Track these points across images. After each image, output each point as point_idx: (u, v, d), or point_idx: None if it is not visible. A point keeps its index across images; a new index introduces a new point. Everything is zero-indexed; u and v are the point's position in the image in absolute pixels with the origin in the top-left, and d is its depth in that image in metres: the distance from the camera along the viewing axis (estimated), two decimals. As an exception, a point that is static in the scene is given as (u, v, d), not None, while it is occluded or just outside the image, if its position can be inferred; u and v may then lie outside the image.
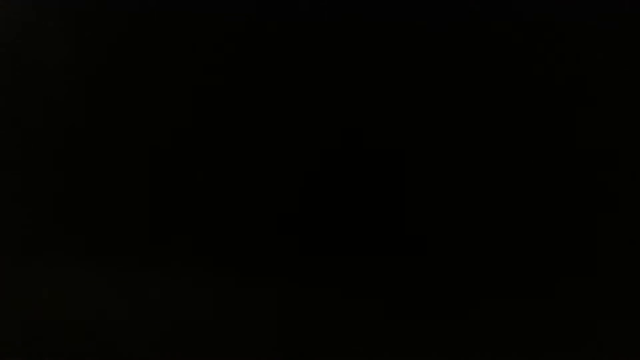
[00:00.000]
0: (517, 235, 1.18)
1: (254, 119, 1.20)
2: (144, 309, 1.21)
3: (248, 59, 1.20)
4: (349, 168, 1.19)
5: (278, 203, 1.20)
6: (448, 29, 1.18)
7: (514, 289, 1.18)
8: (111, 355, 1.21)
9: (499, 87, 1.19)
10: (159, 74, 1.21)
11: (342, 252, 1.19)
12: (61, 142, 1.22)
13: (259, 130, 1.20)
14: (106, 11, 1.21)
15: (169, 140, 1.21)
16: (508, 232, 1.18)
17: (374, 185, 1.19)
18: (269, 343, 1.20)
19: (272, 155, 1.20)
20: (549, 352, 1.18)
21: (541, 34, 1.18)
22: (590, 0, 1.18)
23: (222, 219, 1.20)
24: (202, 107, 1.21)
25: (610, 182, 1.18)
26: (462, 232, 1.18)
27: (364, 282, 1.19)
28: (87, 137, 1.22)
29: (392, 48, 1.19)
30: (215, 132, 1.20)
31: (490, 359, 1.18)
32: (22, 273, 1.22)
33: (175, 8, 1.21)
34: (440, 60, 1.19)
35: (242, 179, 1.20)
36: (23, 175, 1.22)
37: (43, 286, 1.21)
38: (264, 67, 1.20)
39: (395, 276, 1.19)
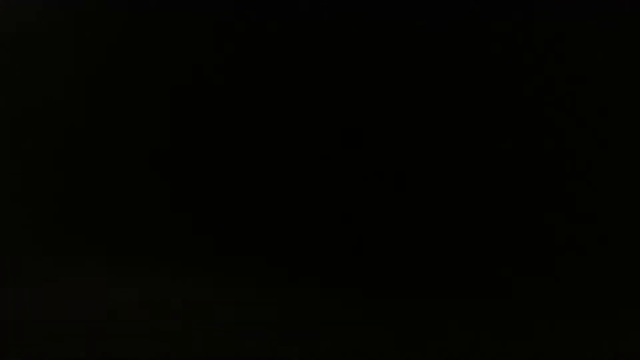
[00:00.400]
0: (519, 236, 1.18)
1: (254, 119, 1.20)
2: (145, 311, 1.21)
3: (248, 59, 1.20)
4: (349, 167, 1.19)
5: (278, 204, 1.20)
6: (448, 29, 1.18)
7: (513, 290, 1.18)
8: (111, 356, 1.21)
9: (498, 88, 1.19)
10: (159, 74, 1.21)
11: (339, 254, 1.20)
12: (61, 143, 1.22)
13: (259, 130, 1.20)
14: (106, 11, 1.22)
15: (169, 141, 1.21)
16: (510, 233, 1.18)
17: (372, 185, 1.19)
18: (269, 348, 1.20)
19: (271, 156, 1.20)
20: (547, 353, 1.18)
21: (541, 34, 1.18)
22: (590, 0, 1.18)
23: (221, 221, 1.20)
24: (202, 107, 1.21)
25: (609, 182, 1.18)
26: (462, 234, 1.19)
27: (362, 285, 1.19)
28: (87, 137, 1.22)
29: (392, 48, 1.19)
30: (216, 133, 1.20)
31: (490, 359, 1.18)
32: (22, 273, 1.22)
33: (175, 8, 1.21)
34: (440, 61, 1.19)
35: (243, 179, 1.20)
36: (22, 176, 1.22)
37: (43, 286, 1.22)
38: (264, 67, 1.20)
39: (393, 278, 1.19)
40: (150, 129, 1.21)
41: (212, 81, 1.21)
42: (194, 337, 1.20)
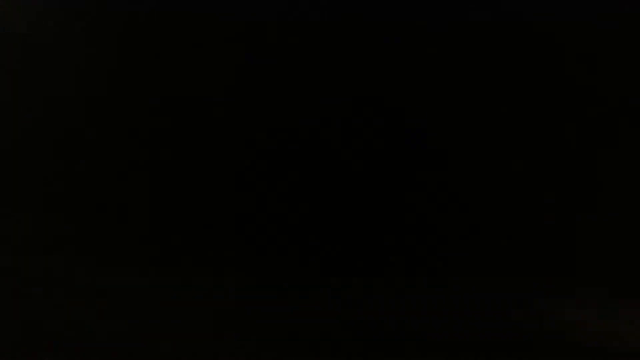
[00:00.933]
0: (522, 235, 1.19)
1: (254, 118, 1.21)
2: (143, 310, 1.21)
3: (248, 58, 1.21)
4: (348, 167, 1.20)
5: (278, 204, 1.20)
6: (448, 29, 1.19)
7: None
8: (111, 356, 1.21)
9: (498, 88, 1.19)
10: (159, 74, 1.21)
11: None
12: (61, 141, 1.22)
13: (260, 130, 1.20)
14: (106, 11, 1.22)
15: (168, 139, 1.21)
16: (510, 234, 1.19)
17: (371, 185, 1.19)
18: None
19: (271, 155, 1.20)
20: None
21: (541, 33, 1.18)
22: (590, 0, 1.18)
23: (219, 220, 1.21)
24: (202, 107, 1.21)
25: (609, 181, 1.18)
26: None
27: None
28: (88, 136, 1.22)
29: (392, 48, 1.19)
30: (216, 132, 1.21)
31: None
32: (23, 274, 1.22)
33: (175, 8, 1.21)
34: (440, 61, 1.19)
35: (243, 178, 1.20)
36: (19, 172, 1.23)
37: (43, 286, 1.22)
38: (264, 67, 1.20)
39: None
40: (150, 129, 1.22)
41: (212, 81, 1.21)
42: (192, 338, 1.20)
